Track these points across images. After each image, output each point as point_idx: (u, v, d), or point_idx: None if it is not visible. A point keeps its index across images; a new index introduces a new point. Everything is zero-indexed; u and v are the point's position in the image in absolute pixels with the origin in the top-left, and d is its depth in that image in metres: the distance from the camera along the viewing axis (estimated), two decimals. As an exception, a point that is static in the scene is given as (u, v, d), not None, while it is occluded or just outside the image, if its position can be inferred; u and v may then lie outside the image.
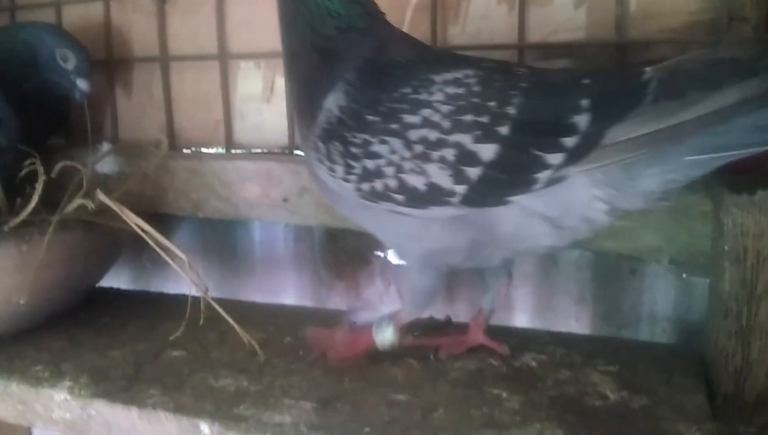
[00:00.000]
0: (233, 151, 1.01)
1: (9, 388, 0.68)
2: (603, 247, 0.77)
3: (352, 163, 0.60)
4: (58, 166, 0.73)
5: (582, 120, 0.55)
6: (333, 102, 0.61)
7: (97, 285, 0.92)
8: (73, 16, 1.09)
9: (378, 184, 0.60)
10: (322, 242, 1.04)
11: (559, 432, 0.58)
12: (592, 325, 0.93)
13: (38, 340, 0.77)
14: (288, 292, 1.07)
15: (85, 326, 0.82)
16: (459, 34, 0.88)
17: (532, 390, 0.65)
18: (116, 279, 1.03)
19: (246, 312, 0.76)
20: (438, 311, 0.88)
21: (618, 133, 0.55)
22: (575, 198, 0.58)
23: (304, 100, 0.65)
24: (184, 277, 0.75)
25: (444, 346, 0.74)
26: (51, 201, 0.78)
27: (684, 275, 0.88)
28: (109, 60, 1.06)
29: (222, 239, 1.10)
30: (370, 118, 0.59)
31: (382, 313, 0.72)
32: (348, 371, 0.69)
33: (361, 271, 1.03)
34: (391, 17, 0.89)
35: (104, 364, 0.71)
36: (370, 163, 0.59)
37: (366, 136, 0.59)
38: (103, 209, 0.74)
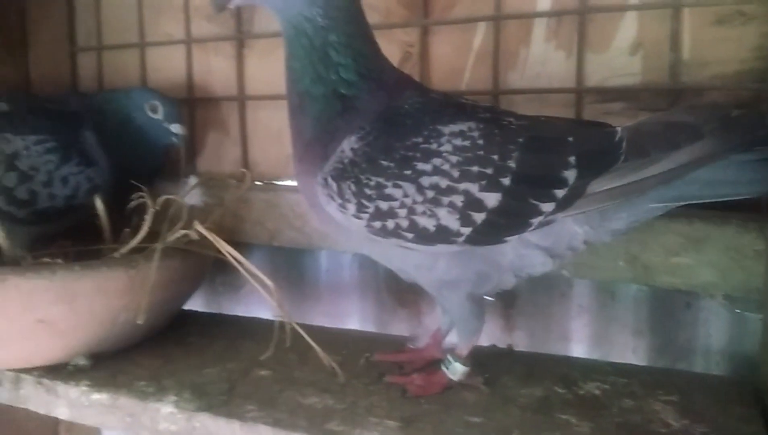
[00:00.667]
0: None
1: (117, 401, 0.75)
2: (662, 282, 0.82)
3: (366, 202, 0.65)
4: (161, 199, 0.81)
5: (570, 175, 0.64)
6: (347, 145, 0.66)
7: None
8: (156, 56, 1.18)
9: (390, 223, 0.66)
10: (385, 270, 1.10)
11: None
12: (649, 357, 0.96)
13: (136, 358, 0.84)
14: (352, 317, 1.13)
15: (176, 346, 0.89)
16: (519, 78, 0.94)
17: (599, 417, 0.70)
18: (191, 302, 1.11)
19: (317, 335, 0.81)
20: (498, 340, 0.94)
21: (597, 186, 0.65)
22: (562, 233, 0.68)
23: (316, 139, 0.68)
24: (268, 303, 0.81)
25: (407, 361, 0.83)
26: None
27: (737, 310, 0.91)
28: (190, 99, 1.15)
29: (291, 266, 1.16)
30: (385, 163, 0.65)
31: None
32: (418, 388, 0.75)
33: (421, 298, 1.08)
34: (454, 62, 0.97)
35: (201, 380, 0.78)
36: (383, 204, 0.65)
37: (380, 180, 0.65)
38: (198, 238, 0.82)
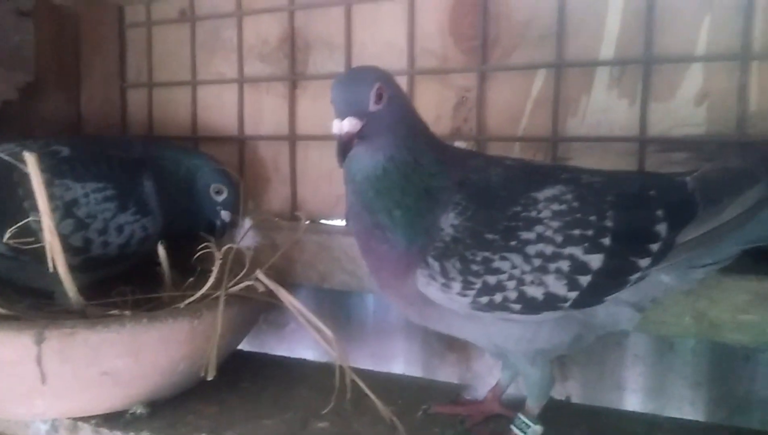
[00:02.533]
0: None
1: (178, 455, 0.74)
2: (729, 339, 0.79)
3: (472, 279, 0.64)
4: (225, 248, 0.81)
5: (662, 228, 0.65)
6: (446, 222, 0.65)
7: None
8: (208, 94, 1.19)
9: (497, 297, 0.65)
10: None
11: None
12: (706, 409, 0.94)
13: (192, 405, 0.83)
14: (398, 359, 1.12)
15: (230, 392, 0.88)
16: (579, 125, 0.93)
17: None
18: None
19: (368, 381, 0.79)
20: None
21: (684, 236, 0.66)
22: (650, 286, 0.68)
23: (417, 225, 0.66)
24: (323, 350, 0.80)
25: (466, 415, 0.82)
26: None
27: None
28: (241, 137, 1.15)
29: (338, 306, 1.16)
30: (489, 236, 0.64)
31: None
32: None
33: (470, 343, 1.07)
34: (512, 108, 0.96)
35: (261, 432, 0.77)
36: (491, 279, 0.64)
37: (487, 254, 0.64)
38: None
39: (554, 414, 0.82)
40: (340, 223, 1.10)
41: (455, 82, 0.99)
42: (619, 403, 0.98)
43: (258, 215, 1.08)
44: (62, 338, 0.69)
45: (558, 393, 0.91)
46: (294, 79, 1.10)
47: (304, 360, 1.04)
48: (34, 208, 0.77)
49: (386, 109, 0.65)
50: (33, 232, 0.79)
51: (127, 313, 0.78)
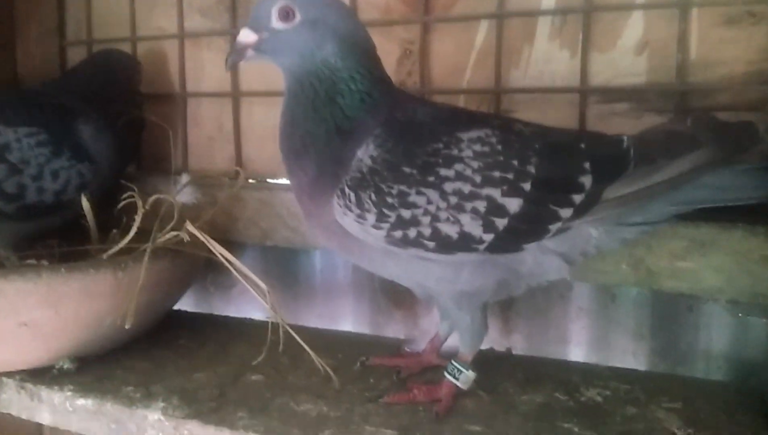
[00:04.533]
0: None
1: (103, 408, 0.72)
2: (666, 286, 0.80)
3: (387, 211, 0.63)
4: (152, 199, 0.78)
5: (587, 180, 0.65)
6: (364, 153, 0.65)
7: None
8: (147, 51, 1.15)
9: (411, 232, 0.64)
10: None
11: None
12: (649, 361, 0.95)
13: (124, 361, 0.82)
14: (346, 318, 1.11)
15: (165, 348, 0.87)
16: (521, 76, 0.92)
17: (602, 425, 0.68)
18: (181, 302, 1.08)
19: (311, 338, 0.79)
20: (496, 343, 0.92)
21: (611, 192, 0.66)
22: (577, 238, 0.68)
23: (322, 171, 0.67)
24: (261, 304, 0.79)
25: (403, 366, 0.81)
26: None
27: (740, 314, 0.90)
28: (183, 94, 1.12)
29: (284, 266, 1.14)
30: (407, 170, 0.63)
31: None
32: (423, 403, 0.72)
33: (417, 300, 1.06)
34: (456, 60, 0.95)
35: (191, 386, 0.76)
36: (405, 213, 0.63)
37: (403, 187, 0.63)
38: (189, 239, 0.79)
39: (493, 364, 0.83)
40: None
41: (398, 34, 0.97)
42: (564, 356, 0.98)
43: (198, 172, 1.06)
44: (-25, 287, 0.67)
45: (501, 346, 0.91)
46: (235, 33, 1.05)
47: (247, 319, 1.03)
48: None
49: (298, 29, 0.66)
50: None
51: (44, 262, 0.75)
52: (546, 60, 0.90)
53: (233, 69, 0.67)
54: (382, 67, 0.72)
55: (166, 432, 0.69)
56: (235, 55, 0.69)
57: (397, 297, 1.08)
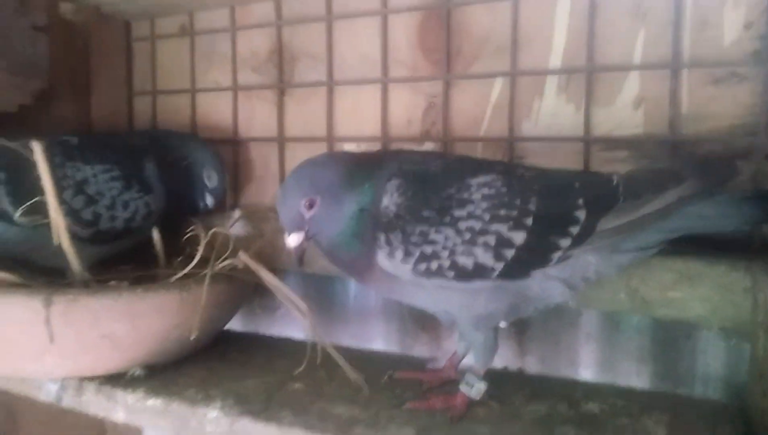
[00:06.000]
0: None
1: (170, 407, 0.85)
2: (658, 313, 0.88)
3: (412, 248, 0.76)
4: (211, 231, 0.92)
5: (581, 214, 0.75)
6: (389, 201, 0.77)
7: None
8: (206, 101, 1.31)
9: (433, 265, 0.76)
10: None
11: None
12: (652, 382, 1.03)
13: (184, 370, 0.95)
14: (377, 339, 1.23)
15: (219, 360, 1.00)
16: (532, 127, 1.03)
17: (596, 432, 0.78)
18: (232, 323, 1.21)
19: (345, 354, 0.90)
20: (511, 363, 1.02)
21: (604, 224, 0.76)
22: (577, 266, 0.78)
23: (356, 237, 0.79)
24: (302, 325, 0.91)
25: (426, 380, 0.92)
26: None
27: (733, 341, 0.98)
28: (236, 139, 1.28)
29: (322, 292, 1.27)
30: (426, 213, 0.76)
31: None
32: (440, 410, 0.83)
33: (441, 324, 1.17)
34: (474, 112, 1.08)
35: (243, 391, 0.88)
36: (427, 248, 0.76)
37: (424, 228, 0.76)
38: (242, 266, 0.92)
39: (505, 381, 0.93)
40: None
41: (424, 89, 1.10)
42: (574, 378, 1.07)
43: (248, 208, 1.20)
44: (67, 303, 0.81)
45: (516, 367, 1.01)
46: (282, 87, 1.22)
47: (290, 338, 1.15)
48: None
49: (320, 208, 0.78)
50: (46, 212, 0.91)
51: (124, 283, 0.89)
52: (554, 113, 1.01)
53: (302, 264, 0.82)
54: (371, 154, 0.86)
55: (222, 428, 0.81)
56: (298, 257, 0.81)
57: (423, 320, 1.19)
